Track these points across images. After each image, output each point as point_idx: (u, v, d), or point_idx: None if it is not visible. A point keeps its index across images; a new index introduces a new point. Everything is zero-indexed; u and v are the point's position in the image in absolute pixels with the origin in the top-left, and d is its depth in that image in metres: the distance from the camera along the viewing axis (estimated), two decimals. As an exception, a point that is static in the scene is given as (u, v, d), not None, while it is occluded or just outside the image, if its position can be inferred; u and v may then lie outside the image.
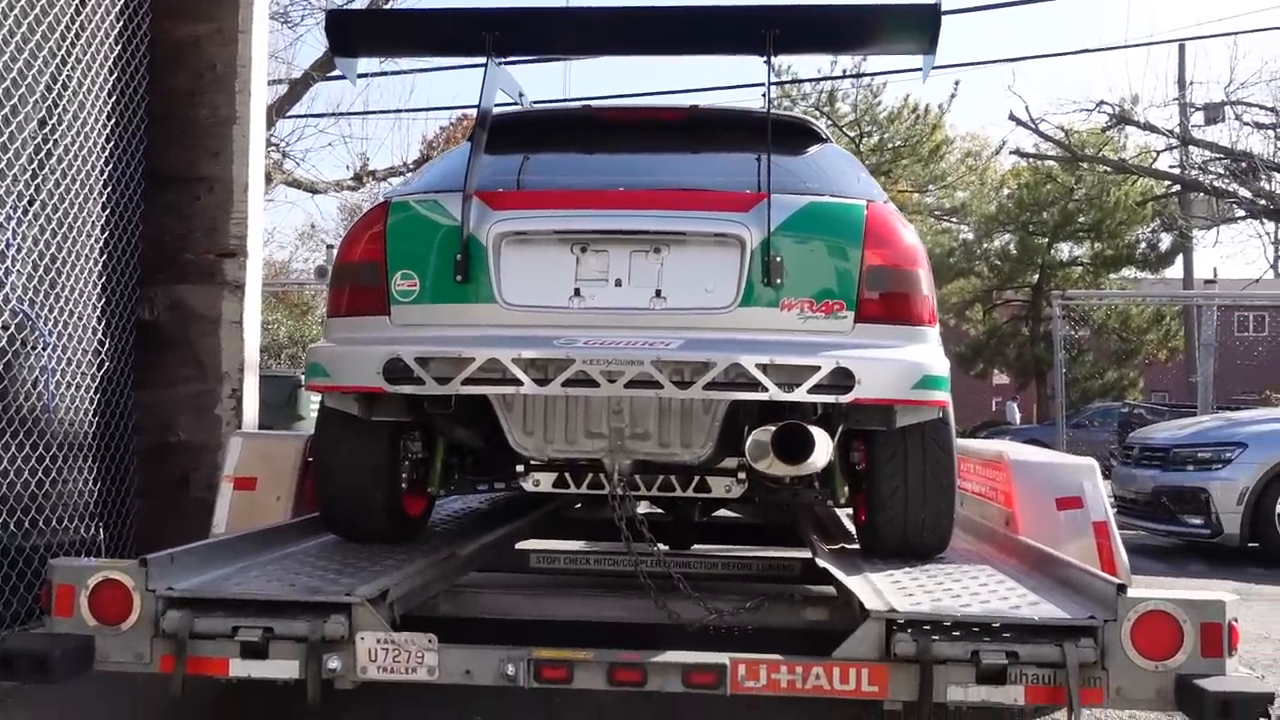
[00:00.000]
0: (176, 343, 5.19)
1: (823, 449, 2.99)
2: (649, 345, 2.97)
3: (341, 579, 2.92)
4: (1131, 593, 2.54)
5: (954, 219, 28.22)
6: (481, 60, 3.39)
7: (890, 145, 25.11)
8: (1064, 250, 26.53)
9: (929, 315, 3.16)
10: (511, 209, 3.16)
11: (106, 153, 4.90)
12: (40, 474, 4.43)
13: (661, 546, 5.00)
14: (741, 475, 3.37)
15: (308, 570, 3.06)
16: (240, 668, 2.69)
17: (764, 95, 3.46)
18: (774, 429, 2.95)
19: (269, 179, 14.67)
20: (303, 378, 11.77)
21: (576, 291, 3.10)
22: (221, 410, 5.16)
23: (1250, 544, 7.83)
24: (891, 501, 3.33)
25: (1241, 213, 16.71)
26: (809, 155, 3.56)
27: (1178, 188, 19.92)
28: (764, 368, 2.92)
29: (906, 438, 3.25)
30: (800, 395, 2.93)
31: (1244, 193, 15.94)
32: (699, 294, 3.09)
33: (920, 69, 3.54)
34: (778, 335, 3.05)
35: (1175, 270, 24.70)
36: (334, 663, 2.64)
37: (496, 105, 3.56)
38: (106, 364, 4.91)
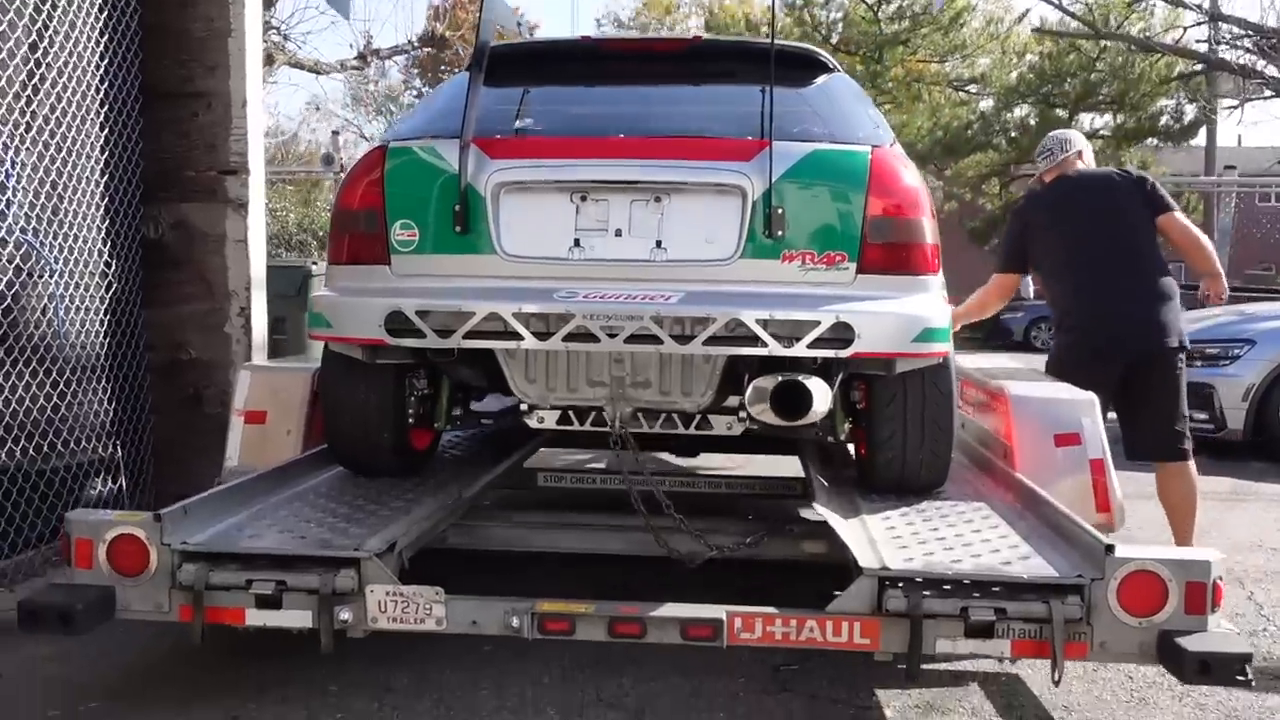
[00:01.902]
0: (182, 261, 5.20)
1: (822, 401, 3.03)
2: (649, 299, 2.97)
3: (351, 529, 3.00)
4: (1119, 552, 2.59)
5: (973, 89, 27.52)
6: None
7: (909, 13, 24.34)
8: (1084, 122, 25.92)
9: (932, 263, 3.15)
10: (510, 158, 3.12)
11: (101, 70, 4.82)
12: (56, 398, 4.51)
13: (667, 458, 5.10)
14: (742, 414, 3.40)
15: (318, 516, 3.14)
16: (256, 617, 2.79)
17: (769, 24, 3.34)
18: (771, 386, 2.98)
19: (270, 60, 14.38)
20: (313, 267, 11.83)
21: (576, 242, 3.09)
22: (231, 329, 5.21)
23: (1255, 438, 7.92)
24: (890, 443, 3.38)
25: (1269, 92, 16.20)
26: (814, 90, 3.48)
27: (1202, 66, 19.30)
28: (764, 323, 2.93)
29: (906, 381, 3.28)
30: (799, 350, 2.95)
31: (1272, 71, 15.42)
32: (700, 244, 3.07)
33: None
34: (778, 288, 3.04)
35: (1198, 139, 24.19)
36: (345, 614, 2.74)
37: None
38: (115, 285, 4.94)
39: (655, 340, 2.96)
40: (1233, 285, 10.87)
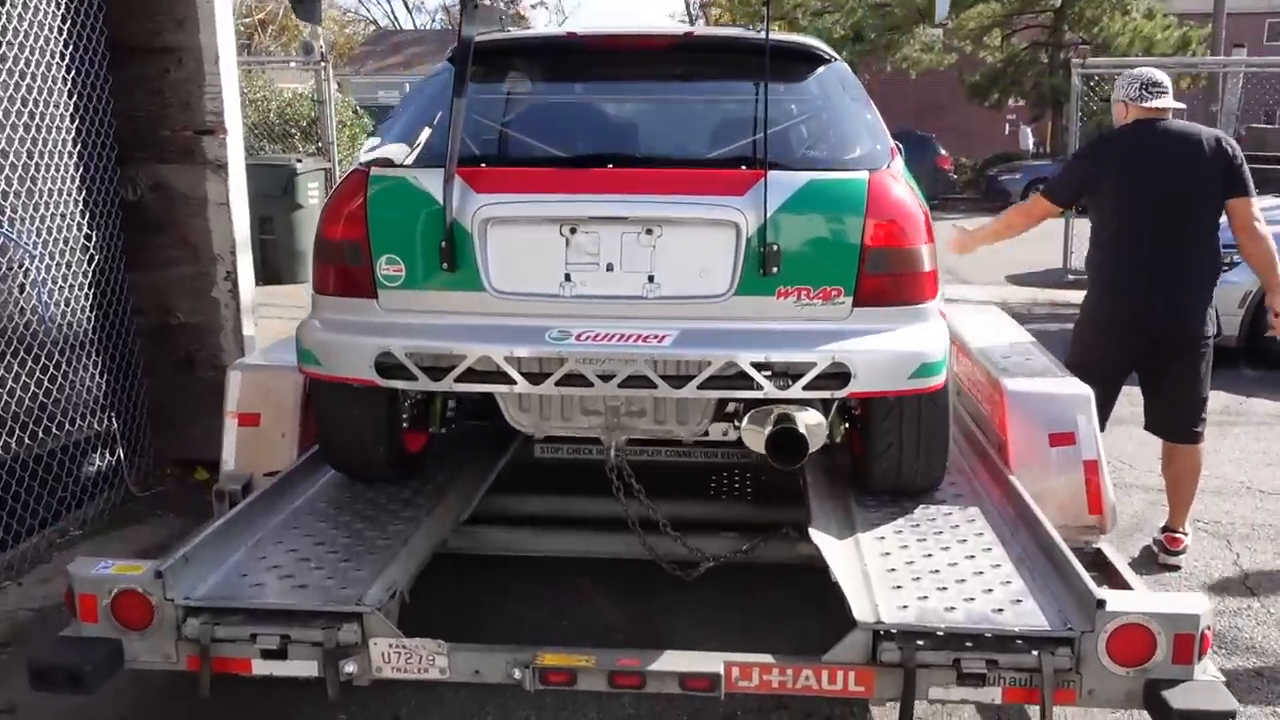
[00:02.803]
0: (165, 224, 5.09)
1: (818, 442, 3.02)
2: (642, 340, 2.93)
3: (351, 570, 3.02)
4: (1110, 605, 2.63)
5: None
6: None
7: None
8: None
9: (930, 290, 3.08)
10: (496, 192, 3.01)
11: (63, 26, 4.60)
12: (46, 382, 4.48)
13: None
14: (738, 422, 3.39)
15: (318, 551, 3.16)
16: (262, 667, 2.83)
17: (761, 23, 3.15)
18: (766, 432, 2.97)
19: None
20: (298, 165, 11.57)
21: (567, 276, 3.02)
22: (218, 293, 5.14)
23: (1249, 345, 7.94)
24: (887, 454, 3.38)
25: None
26: (810, 93, 3.34)
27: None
28: (759, 366, 2.89)
29: (903, 397, 3.26)
30: (796, 393, 2.92)
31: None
32: (693, 279, 3.00)
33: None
34: (773, 324, 2.99)
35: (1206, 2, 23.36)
36: (350, 666, 2.79)
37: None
38: (96, 256, 4.85)
39: (649, 384, 2.93)
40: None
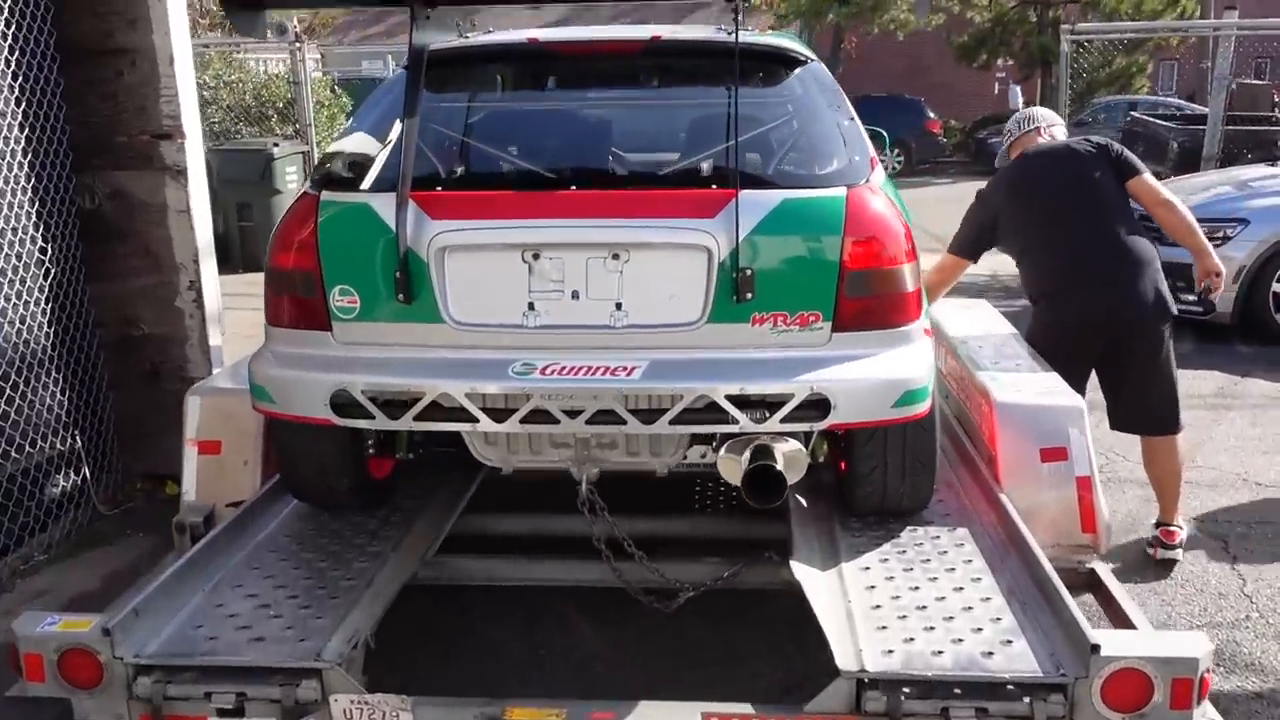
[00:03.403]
0: (125, 233, 4.92)
1: (797, 475, 2.88)
2: (610, 373, 2.77)
3: (310, 618, 2.89)
4: (1105, 649, 2.50)
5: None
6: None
7: None
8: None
9: (913, 311, 2.93)
10: (452, 218, 2.84)
11: (9, 29, 4.39)
12: (3, 404, 4.33)
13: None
14: (715, 444, 3.26)
15: (277, 596, 3.02)
16: (220, 725, 2.72)
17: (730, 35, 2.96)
18: (742, 470, 2.83)
19: None
20: (275, 149, 11.33)
21: (531, 305, 2.85)
22: (182, 303, 4.97)
23: (1243, 321, 7.81)
24: (871, 477, 3.25)
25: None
26: (785, 99, 3.16)
27: None
28: (735, 399, 2.75)
29: None
30: (773, 426, 2.78)
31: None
32: (663, 306, 2.84)
33: None
34: (749, 352, 2.83)
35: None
36: (311, 722, 2.67)
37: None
38: (53, 270, 4.68)
39: (619, 420, 2.78)
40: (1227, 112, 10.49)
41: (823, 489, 3.62)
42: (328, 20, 43.76)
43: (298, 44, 11.52)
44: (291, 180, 11.36)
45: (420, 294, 2.85)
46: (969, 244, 4.41)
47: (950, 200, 17.99)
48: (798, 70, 3.26)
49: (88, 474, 4.83)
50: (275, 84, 12.80)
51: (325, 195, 2.97)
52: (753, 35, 3.27)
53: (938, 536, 3.29)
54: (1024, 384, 3.72)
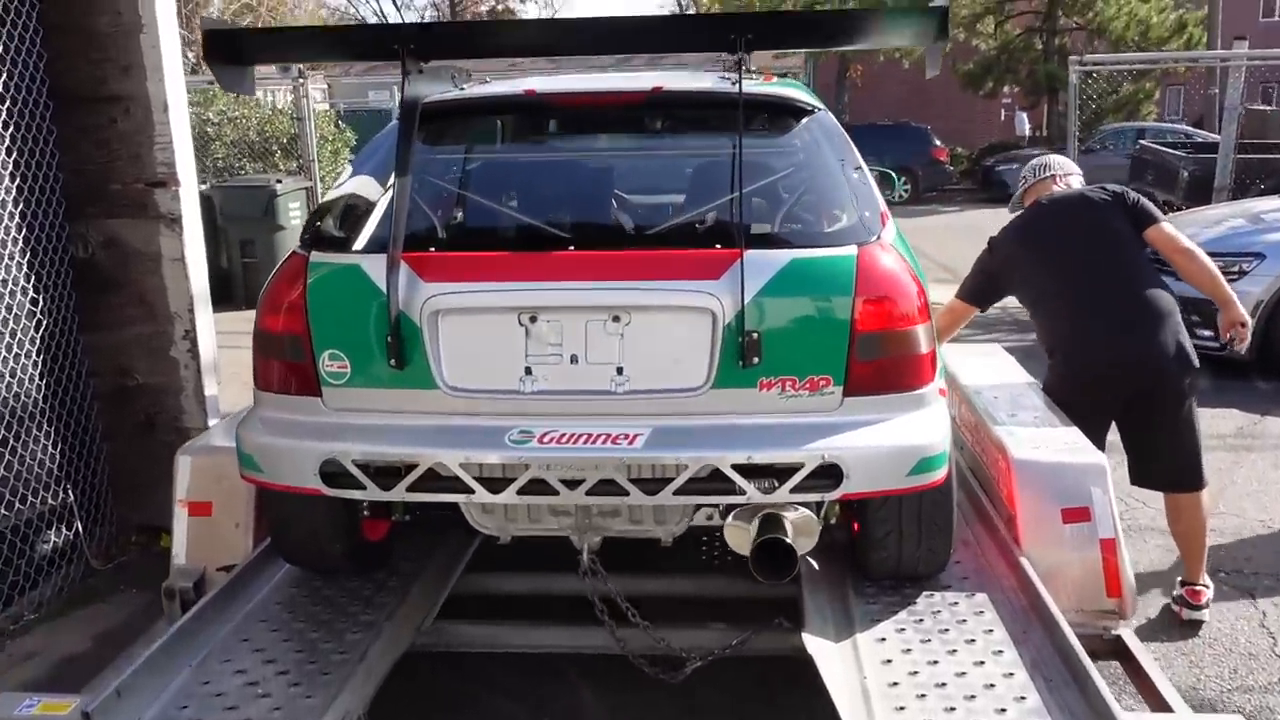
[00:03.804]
0: (119, 283, 4.82)
1: (808, 544, 2.76)
2: (611, 441, 2.65)
3: (300, 697, 2.76)
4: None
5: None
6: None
7: None
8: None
9: (928, 374, 2.80)
10: (446, 280, 2.73)
11: (3, 76, 4.32)
12: (-9, 461, 4.22)
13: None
14: (721, 510, 3.13)
15: (265, 671, 2.89)
16: (205, 814, 2.59)
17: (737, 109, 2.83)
18: (751, 533, 2.70)
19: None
20: (278, 186, 11.28)
21: (528, 370, 2.74)
22: (177, 353, 4.87)
23: (1262, 356, 7.66)
24: (885, 542, 3.12)
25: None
26: (792, 156, 3.05)
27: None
28: (741, 469, 2.62)
29: None
30: (782, 497, 2.65)
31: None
32: (666, 369, 2.72)
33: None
34: (756, 418, 2.71)
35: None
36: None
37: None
38: (44, 320, 4.57)
39: (620, 490, 2.66)
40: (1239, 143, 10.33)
41: (834, 550, 3.48)
42: (335, 51, 44.10)
43: (301, 79, 11.49)
44: (295, 216, 11.31)
45: (413, 359, 2.74)
46: (978, 293, 4.30)
47: (957, 229, 18.03)
48: (804, 120, 3.15)
49: (80, 528, 4.72)
50: (279, 119, 12.76)
51: (315, 256, 2.86)
52: (758, 84, 3.16)
53: (956, 603, 3.15)
54: (1043, 440, 3.58)
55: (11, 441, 4.35)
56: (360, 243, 2.87)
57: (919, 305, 2.77)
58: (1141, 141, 16.10)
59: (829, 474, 2.65)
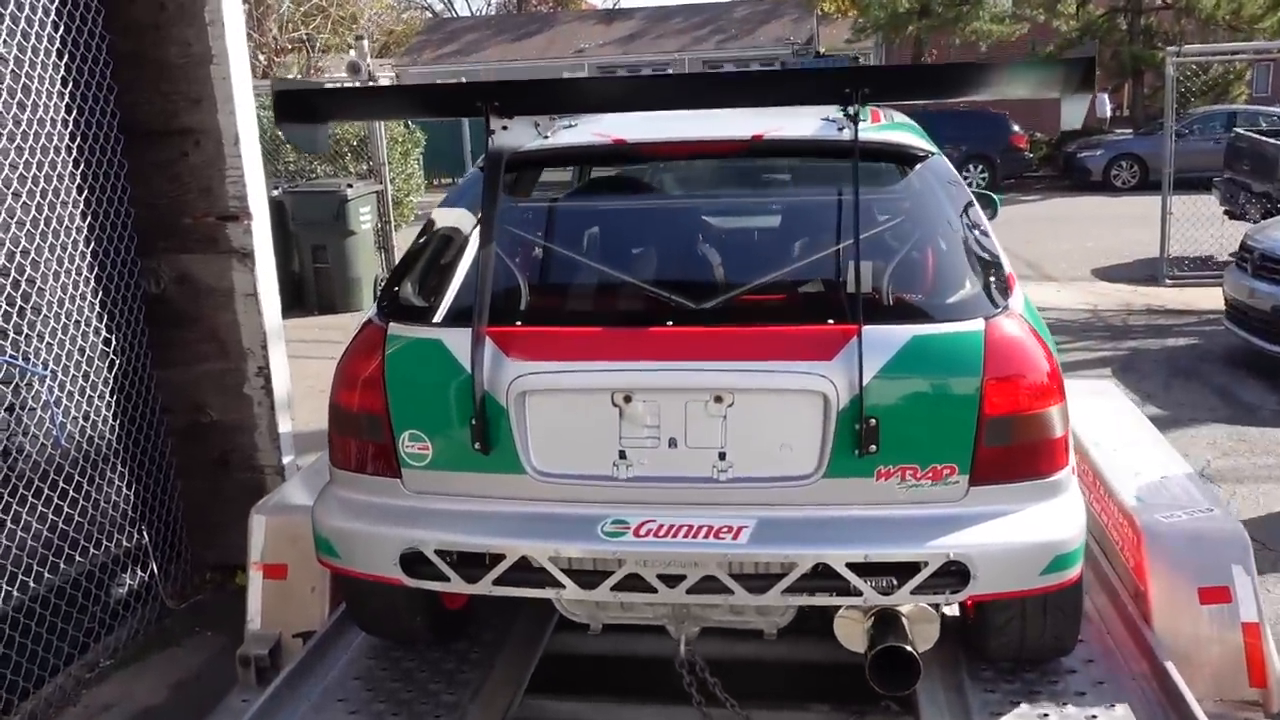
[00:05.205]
0: (191, 318, 4.72)
1: (929, 643, 2.52)
2: (714, 535, 2.44)
3: None
4: None
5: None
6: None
7: None
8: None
9: (1062, 459, 2.54)
10: (534, 360, 2.53)
11: (70, 109, 4.21)
12: (66, 508, 4.13)
13: None
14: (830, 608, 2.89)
15: None
16: None
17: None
18: (866, 632, 2.47)
19: None
20: (349, 190, 11.22)
21: (622, 454, 2.53)
22: (250, 390, 4.76)
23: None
24: (1007, 629, 2.87)
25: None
26: (909, 214, 2.79)
27: None
28: (857, 568, 2.39)
29: None
30: (902, 598, 2.42)
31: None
32: (773, 455, 2.49)
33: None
34: (872, 510, 2.47)
35: None
36: None
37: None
38: (118, 360, 4.48)
39: (724, 590, 2.44)
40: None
41: (948, 627, 3.23)
42: (402, 40, 44.23)
43: (371, 84, 11.39)
44: (365, 221, 11.24)
45: (499, 442, 2.55)
46: None
47: (1039, 219, 17.40)
48: (919, 169, 2.89)
49: (155, 570, 4.64)
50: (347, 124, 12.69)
51: (393, 328, 2.68)
52: (867, 128, 2.90)
53: (1083, 693, 2.89)
54: (1175, 503, 3.28)
55: (86, 487, 4.26)
56: (441, 313, 2.68)
57: (1053, 385, 2.51)
58: (1236, 129, 15.37)
59: (954, 573, 2.41)
